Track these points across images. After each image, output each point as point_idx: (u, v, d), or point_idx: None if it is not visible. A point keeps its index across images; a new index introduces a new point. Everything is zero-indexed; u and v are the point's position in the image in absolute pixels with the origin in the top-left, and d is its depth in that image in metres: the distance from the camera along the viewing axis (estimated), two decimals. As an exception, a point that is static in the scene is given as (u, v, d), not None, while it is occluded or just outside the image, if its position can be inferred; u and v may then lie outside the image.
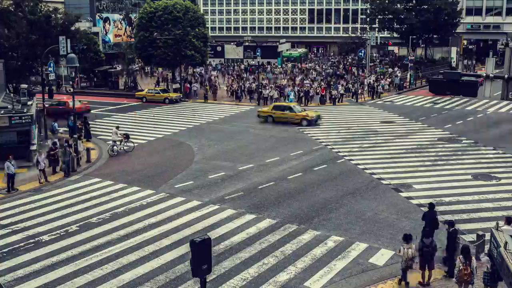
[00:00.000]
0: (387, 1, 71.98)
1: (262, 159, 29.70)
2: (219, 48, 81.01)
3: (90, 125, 36.99)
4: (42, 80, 38.24)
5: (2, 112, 29.44)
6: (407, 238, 15.73)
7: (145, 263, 17.34)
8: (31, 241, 19.16)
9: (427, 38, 74.14)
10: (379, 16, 74.08)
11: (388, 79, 59.70)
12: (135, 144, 33.16)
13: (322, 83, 55.67)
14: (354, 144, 33.43)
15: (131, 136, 33.35)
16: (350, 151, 31.47)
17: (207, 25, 65.48)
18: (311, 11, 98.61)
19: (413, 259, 15.55)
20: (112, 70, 61.44)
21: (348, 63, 78.28)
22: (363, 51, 64.41)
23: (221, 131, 37.74)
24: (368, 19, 77.63)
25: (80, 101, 47.18)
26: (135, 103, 51.19)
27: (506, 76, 18.14)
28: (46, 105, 39.64)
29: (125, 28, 72.83)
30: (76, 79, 55.28)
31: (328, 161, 29.41)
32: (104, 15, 69.03)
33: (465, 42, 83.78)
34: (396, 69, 69.45)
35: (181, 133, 37.47)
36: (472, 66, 74.33)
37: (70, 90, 38.72)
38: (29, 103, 32.11)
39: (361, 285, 15.89)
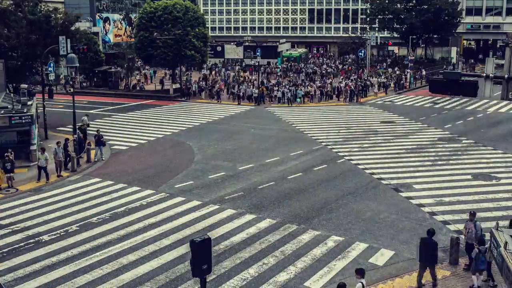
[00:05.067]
0: (387, 1, 71.97)
1: (262, 159, 29.70)
2: (219, 48, 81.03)
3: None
4: (42, 80, 38.24)
5: (2, 112, 29.43)
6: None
7: (145, 263, 17.34)
8: (31, 241, 19.15)
9: (427, 38, 74.12)
10: (379, 16, 74.08)
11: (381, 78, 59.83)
12: (136, 145, 33.18)
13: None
14: (354, 144, 33.42)
15: (131, 136, 33.29)
16: (350, 151, 31.46)
17: (207, 25, 65.49)
18: (311, 11, 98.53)
19: None
20: (112, 70, 61.41)
21: (347, 63, 78.35)
22: (363, 51, 64.46)
23: (221, 131, 37.73)
24: (368, 19, 77.61)
25: None
26: (135, 103, 51.15)
27: (506, 76, 18.11)
28: None
29: (125, 28, 72.83)
30: (75, 80, 55.20)
31: (328, 161, 29.40)
32: (104, 15, 69.04)
33: (465, 42, 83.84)
34: (396, 69, 69.52)
35: (181, 133, 37.47)
36: (466, 65, 74.34)
37: (70, 90, 38.73)
38: (29, 103, 32.10)
39: (361, 285, 15.89)
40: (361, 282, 13.48)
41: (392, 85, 58.55)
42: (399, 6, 71.75)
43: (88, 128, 35.47)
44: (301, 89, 51.31)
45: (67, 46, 36.35)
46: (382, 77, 60.87)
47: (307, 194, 23.90)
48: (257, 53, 56.11)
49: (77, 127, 32.94)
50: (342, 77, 61.42)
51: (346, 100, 50.74)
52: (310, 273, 16.62)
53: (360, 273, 13.74)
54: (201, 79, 61.26)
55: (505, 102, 46.60)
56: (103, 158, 30.38)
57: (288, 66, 74.63)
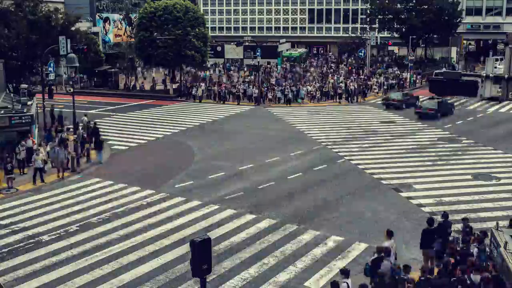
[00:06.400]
0: (387, 1, 71.90)
1: (262, 159, 29.69)
2: (219, 48, 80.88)
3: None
4: (42, 80, 38.21)
5: (2, 112, 29.42)
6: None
7: (145, 263, 17.35)
8: (31, 241, 19.16)
9: (427, 38, 74.06)
10: (379, 16, 74.02)
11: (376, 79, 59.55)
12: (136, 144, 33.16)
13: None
14: (354, 144, 33.41)
15: (131, 136, 33.23)
16: (350, 151, 31.46)
17: (207, 25, 65.43)
18: (311, 11, 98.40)
19: None
20: (112, 70, 61.37)
21: (348, 63, 78.26)
22: (363, 51, 64.43)
23: (221, 131, 37.72)
24: (368, 19, 77.56)
25: None
26: (135, 103, 51.11)
27: (506, 76, 18.15)
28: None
29: (125, 28, 72.79)
30: (76, 79, 55.12)
31: (328, 161, 29.40)
32: (104, 15, 69.01)
33: (464, 42, 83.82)
34: (395, 68, 69.48)
35: (181, 133, 37.46)
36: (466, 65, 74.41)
37: (70, 90, 38.70)
38: (29, 103, 32.09)
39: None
40: (346, 283, 13.44)
41: (396, 87, 58.59)
42: (399, 6, 71.69)
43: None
44: (303, 89, 51.22)
45: (67, 46, 36.33)
46: (382, 77, 60.93)
47: (307, 194, 23.89)
48: (257, 53, 56.03)
49: (80, 126, 33.23)
50: (343, 77, 61.27)
51: (348, 100, 50.69)
52: (310, 273, 16.62)
53: (345, 273, 13.63)
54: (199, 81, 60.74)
55: (505, 102, 46.58)
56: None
57: (288, 67, 74.37)
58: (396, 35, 74.06)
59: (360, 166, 28.36)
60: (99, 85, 60.46)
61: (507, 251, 12.41)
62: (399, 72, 64.68)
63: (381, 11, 72.93)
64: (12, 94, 37.05)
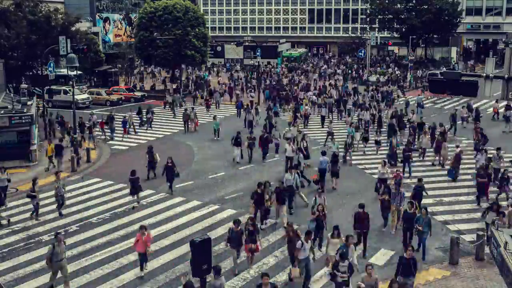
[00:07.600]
0: (387, 1, 71.98)
1: (262, 159, 29.64)
2: (219, 48, 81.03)
3: None
4: (42, 80, 38.25)
5: (2, 112, 29.45)
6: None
7: (145, 263, 17.32)
8: (31, 241, 19.16)
9: (427, 38, 74.15)
10: (379, 16, 74.10)
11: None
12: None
13: None
14: (354, 143, 33.27)
15: (131, 136, 33.13)
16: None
17: (207, 25, 65.48)
18: (311, 11, 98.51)
19: None
20: (112, 70, 61.41)
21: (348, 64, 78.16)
22: (363, 51, 64.44)
23: (221, 131, 37.64)
24: (368, 19, 77.62)
25: None
26: (135, 103, 51.02)
27: (506, 76, 18.14)
28: None
29: (125, 28, 72.85)
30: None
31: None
32: (104, 15, 69.07)
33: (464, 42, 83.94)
34: (395, 68, 69.45)
35: (181, 133, 37.45)
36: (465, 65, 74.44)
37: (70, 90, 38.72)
38: (29, 103, 32.12)
39: (361, 285, 15.86)
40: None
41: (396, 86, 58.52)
42: (399, 6, 71.78)
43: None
44: None
45: (67, 46, 36.38)
46: (382, 77, 60.87)
47: (307, 194, 23.84)
48: (257, 53, 56.01)
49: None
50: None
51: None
52: (310, 273, 16.59)
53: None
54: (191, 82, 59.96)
55: (505, 102, 46.47)
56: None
57: (289, 67, 74.21)
58: (396, 35, 74.14)
59: (360, 166, 28.35)
60: (99, 85, 60.49)
61: (507, 251, 12.38)
62: (399, 73, 64.46)
63: (381, 11, 73.02)
64: (12, 94, 37.08)
